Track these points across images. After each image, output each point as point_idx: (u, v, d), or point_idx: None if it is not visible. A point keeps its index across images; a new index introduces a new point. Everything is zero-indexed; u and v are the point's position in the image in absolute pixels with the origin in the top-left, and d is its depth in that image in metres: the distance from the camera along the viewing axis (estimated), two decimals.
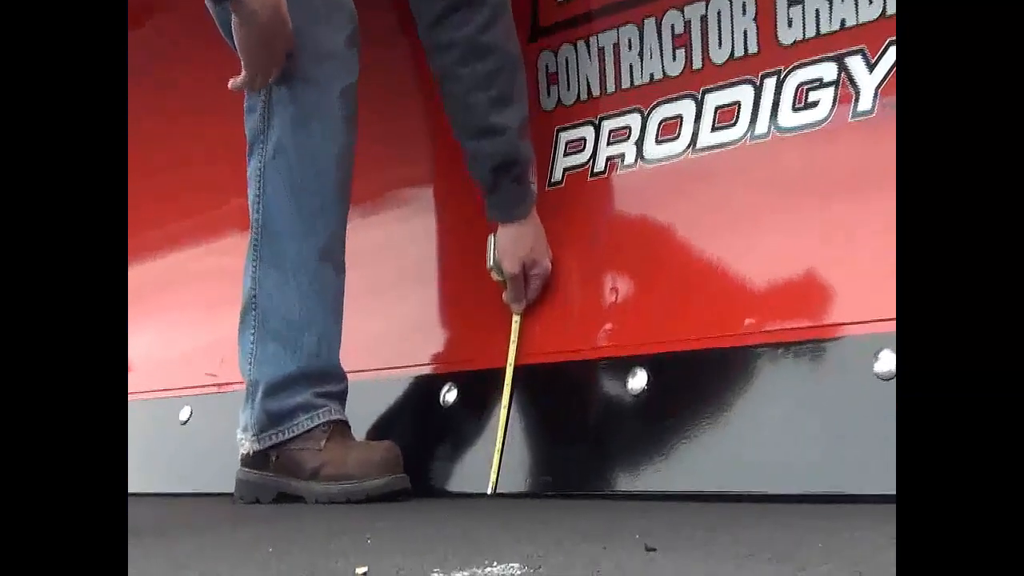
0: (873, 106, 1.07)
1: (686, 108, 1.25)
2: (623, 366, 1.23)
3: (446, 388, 1.41)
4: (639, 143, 1.30)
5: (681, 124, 1.25)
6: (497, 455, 1.30)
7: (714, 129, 1.23)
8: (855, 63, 1.09)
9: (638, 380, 1.20)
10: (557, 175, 1.39)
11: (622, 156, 1.31)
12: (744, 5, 1.19)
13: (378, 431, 1.44)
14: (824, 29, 1.12)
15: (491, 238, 1.37)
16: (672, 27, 1.25)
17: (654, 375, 1.19)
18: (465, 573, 0.60)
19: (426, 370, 1.46)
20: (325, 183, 1.30)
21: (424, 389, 1.45)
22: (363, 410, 1.41)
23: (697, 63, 1.23)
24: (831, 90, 1.10)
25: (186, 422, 1.62)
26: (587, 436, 1.25)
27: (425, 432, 1.42)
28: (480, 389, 1.38)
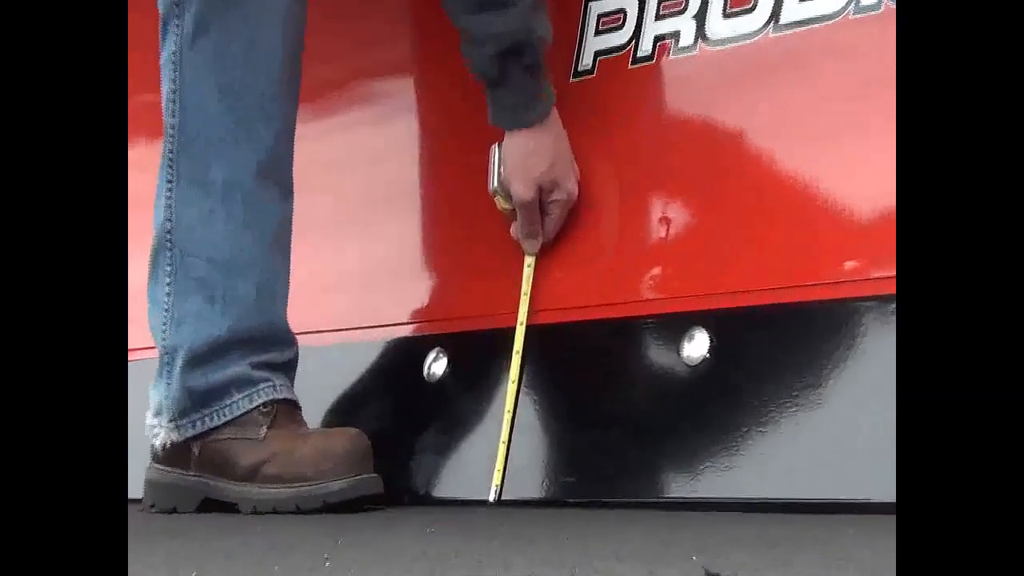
0: None
1: None
2: (676, 326, 1.21)
3: (432, 356, 1.39)
4: (700, 17, 1.27)
5: None
6: (503, 448, 1.27)
7: None
8: None
9: (697, 345, 1.19)
10: (586, 61, 1.36)
11: (676, 35, 1.29)
12: None
13: (340, 415, 1.43)
14: None
15: (494, 150, 1.33)
16: None
17: (719, 339, 1.18)
18: None
19: (405, 331, 1.44)
20: (266, 74, 1.28)
21: (403, 357, 1.43)
22: (319, 386, 1.40)
23: None
24: None
25: None
26: (624, 423, 1.23)
27: (404, 416, 1.40)
28: (479, 357, 1.36)
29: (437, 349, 1.40)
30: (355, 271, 1.53)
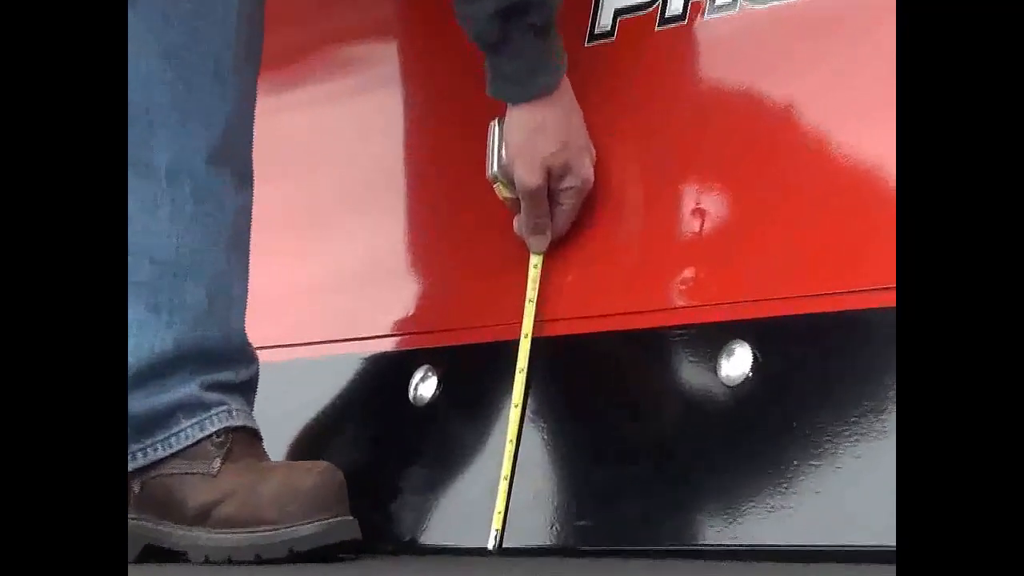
0: None
1: None
2: (713, 339, 1.18)
3: (420, 375, 1.36)
4: None
5: None
6: (504, 486, 1.24)
7: None
8: None
9: (737, 362, 1.16)
10: (604, 22, 1.34)
11: None
12: None
13: (309, 445, 1.40)
14: None
15: (494, 128, 1.31)
16: None
17: (763, 354, 1.15)
18: None
19: (387, 345, 1.42)
20: (220, 35, 1.25)
21: (384, 376, 1.40)
22: (284, 411, 1.37)
23: None
24: None
25: None
26: (650, 455, 1.21)
27: (385, 446, 1.37)
28: (476, 376, 1.34)
29: (425, 367, 1.37)
30: (327, 274, 1.50)
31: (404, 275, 1.46)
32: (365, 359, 1.43)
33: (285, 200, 1.45)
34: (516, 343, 1.30)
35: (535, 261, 1.32)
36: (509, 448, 1.26)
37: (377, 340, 1.42)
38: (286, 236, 1.48)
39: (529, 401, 1.28)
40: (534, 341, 1.29)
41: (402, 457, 1.36)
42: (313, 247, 1.52)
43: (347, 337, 1.44)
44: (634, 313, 1.26)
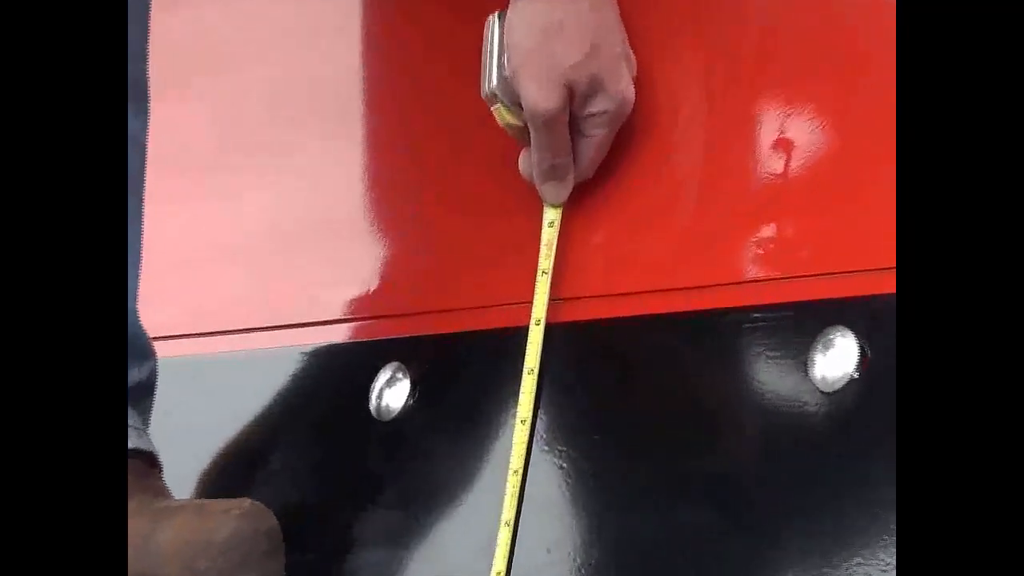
0: None
1: None
2: (803, 325, 1.15)
3: (386, 376, 1.34)
4: None
5: None
6: (505, 533, 1.22)
7: None
8: None
9: (837, 358, 1.12)
10: None
11: None
12: None
13: (226, 477, 1.41)
14: None
15: (492, 25, 1.30)
16: None
17: (876, 347, 1.11)
18: None
19: (339, 333, 1.42)
20: None
21: (335, 378, 1.40)
22: (192, 427, 1.39)
23: None
24: None
25: None
26: (711, 494, 1.17)
27: (337, 478, 1.36)
28: (465, 379, 1.33)
29: (394, 366, 1.34)
30: (252, 234, 1.51)
31: (363, 235, 1.46)
32: (307, 354, 1.42)
33: (191, 126, 1.48)
34: (523, 332, 1.27)
35: (551, 217, 1.28)
36: (513, 481, 1.23)
37: (325, 327, 1.42)
38: (193, 178, 1.51)
39: (541, 415, 1.25)
40: (549, 330, 1.27)
41: (360, 493, 1.33)
42: (232, 194, 1.54)
43: (281, 324, 1.44)
44: (688, 290, 1.23)
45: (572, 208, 1.30)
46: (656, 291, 1.25)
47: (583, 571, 1.20)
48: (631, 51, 1.29)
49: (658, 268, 1.26)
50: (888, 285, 1.08)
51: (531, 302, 1.28)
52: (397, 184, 1.49)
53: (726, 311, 1.19)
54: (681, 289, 1.23)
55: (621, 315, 1.26)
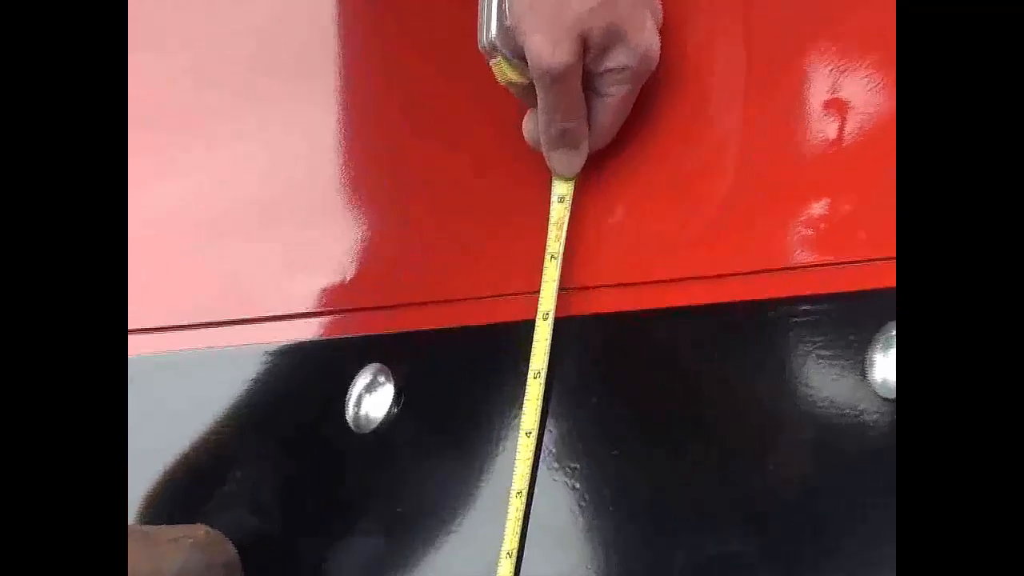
0: None
1: None
2: (860, 323, 1.12)
3: (365, 380, 1.32)
4: None
5: None
6: (507, 566, 1.20)
7: None
8: None
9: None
10: None
11: None
12: None
13: (178, 499, 1.41)
14: None
15: None
16: None
17: None
18: None
19: (309, 329, 1.42)
20: None
21: (305, 382, 1.40)
22: (139, 438, 1.30)
23: None
24: None
25: None
26: (752, 520, 1.14)
27: (308, 500, 1.35)
28: (459, 384, 1.31)
29: (374, 368, 1.32)
30: (202, 208, 1.52)
31: (339, 213, 1.45)
32: (272, 355, 1.41)
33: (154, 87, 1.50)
34: (529, 329, 1.24)
35: (561, 191, 1.26)
36: (516, 505, 1.20)
37: (292, 322, 1.41)
38: (145, 141, 1.47)
39: (549, 427, 1.22)
40: (558, 325, 1.23)
41: (334, 519, 1.31)
42: (177, 157, 1.55)
43: (241, 318, 1.44)
44: (725, 277, 1.20)
45: (586, 181, 1.27)
46: (687, 279, 1.21)
47: None
48: None
49: (690, 251, 1.22)
50: None
51: (538, 292, 1.24)
52: (380, 155, 1.48)
53: (770, 303, 1.16)
54: (717, 277, 1.20)
55: (645, 308, 1.22)
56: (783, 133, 1.23)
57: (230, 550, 1.25)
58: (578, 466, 1.21)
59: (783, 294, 1.16)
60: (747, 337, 1.18)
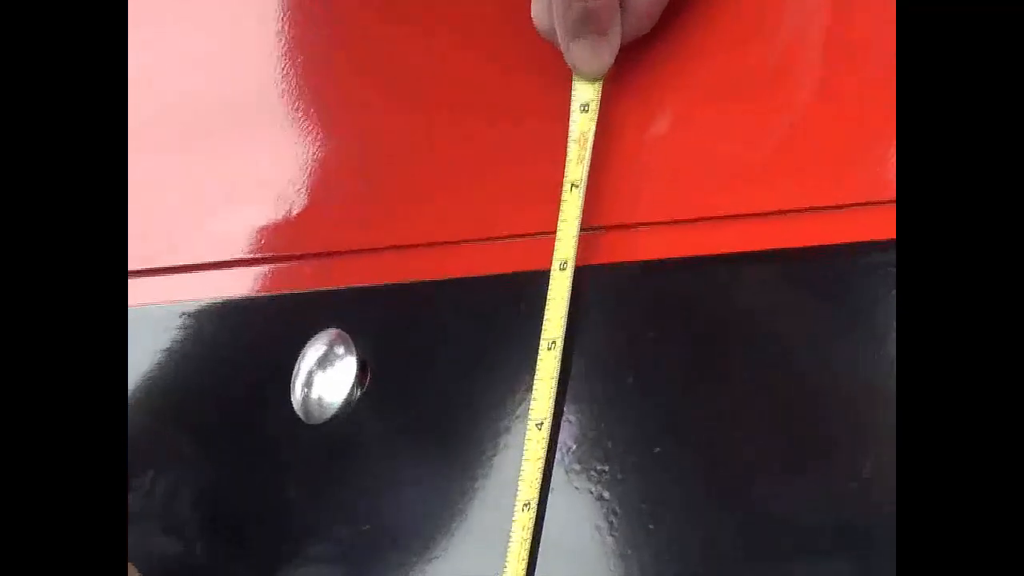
0: None
1: None
2: None
3: (318, 350, 1.27)
4: None
5: None
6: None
7: None
8: None
9: None
10: None
11: None
12: None
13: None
14: None
15: None
16: None
17: None
18: None
19: (244, 281, 1.40)
20: None
21: (239, 352, 1.37)
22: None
23: None
24: None
25: None
26: (837, 533, 1.06)
27: (244, 514, 1.31)
28: (449, 356, 1.25)
29: (330, 335, 1.25)
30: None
31: (279, 125, 1.41)
32: (192, 316, 1.36)
33: None
34: (542, 282, 1.17)
35: (585, 96, 1.17)
36: (523, 519, 1.12)
37: (216, 272, 1.38)
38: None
39: (567, 417, 1.14)
40: (580, 277, 1.15)
41: (279, 541, 1.25)
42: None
43: (141, 268, 1.41)
44: (801, 213, 1.12)
45: (617, 84, 1.16)
46: (749, 215, 1.12)
47: None
48: None
49: (753, 179, 1.13)
50: None
51: (553, 233, 1.15)
52: (339, 49, 1.44)
53: (863, 247, 1.08)
54: (789, 212, 1.11)
55: (694, 254, 1.14)
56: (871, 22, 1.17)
57: None
58: (606, 469, 1.13)
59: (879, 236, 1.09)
60: (828, 293, 1.13)
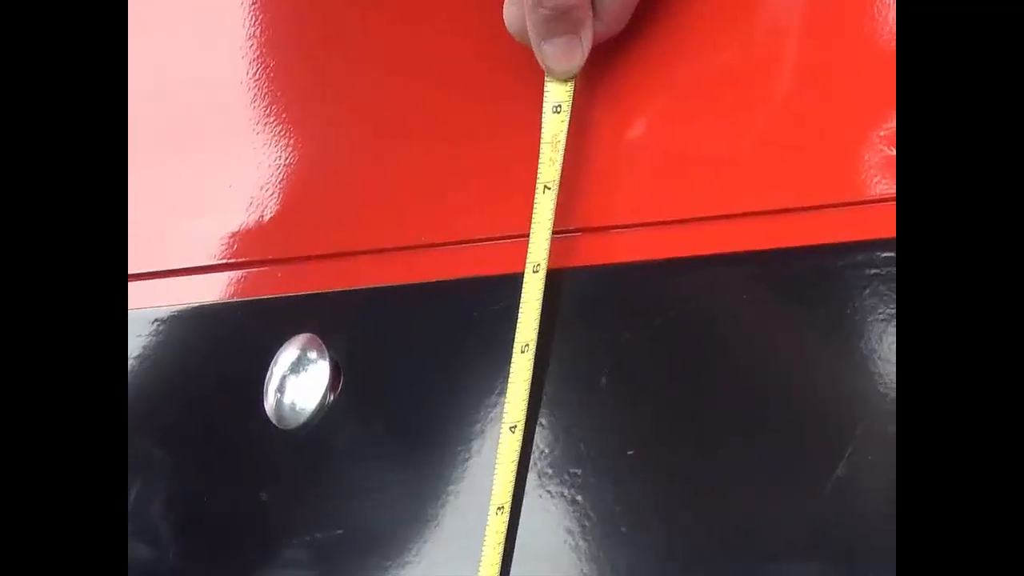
0: None
1: None
2: None
3: (291, 354, 1.27)
4: None
5: None
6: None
7: None
8: None
9: None
10: None
11: None
12: None
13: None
14: None
15: None
16: None
17: None
18: None
19: (217, 286, 1.39)
20: None
21: (211, 357, 1.37)
22: None
23: None
24: None
25: None
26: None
27: (215, 525, 1.30)
28: (423, 360, 1.25)
29: (304, 340, 1.25)
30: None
31: (251, 129, 1.39)
32: (164, 322, 1.36)
33: None
34: (514, 285, 1.16)
35: (557, 97, 1.16)
36: (497, 524, 1.12)
37: (187, 278, 1.38)
38: None
39: (542, 420, 1.14)
40: (552, 280, 1.15)
41: (251, 545, 1.24)
42: None
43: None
44: (780, 214, 1.11)
45: (590, 84, 1.17)
46: (728, 216, 1.11)
47: None
48: None
49: (731, 180, 1.12)
50: None
51: (525, 236, 1.14)
52: (313, 53, 1.43)
53: (846, 248, 1.08)
54: (769, 213, 1.10)
55: (670, 256, 1.13)
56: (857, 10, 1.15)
57: None
58: (580, 472, 1.12)
59: (865, 236, 1.08)
60: (810, 295, 1.10)
